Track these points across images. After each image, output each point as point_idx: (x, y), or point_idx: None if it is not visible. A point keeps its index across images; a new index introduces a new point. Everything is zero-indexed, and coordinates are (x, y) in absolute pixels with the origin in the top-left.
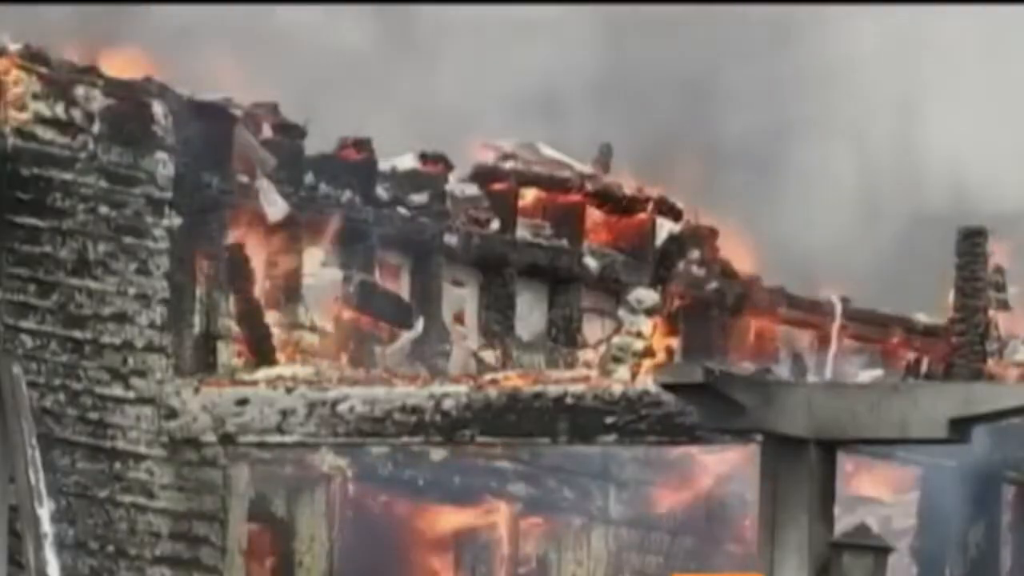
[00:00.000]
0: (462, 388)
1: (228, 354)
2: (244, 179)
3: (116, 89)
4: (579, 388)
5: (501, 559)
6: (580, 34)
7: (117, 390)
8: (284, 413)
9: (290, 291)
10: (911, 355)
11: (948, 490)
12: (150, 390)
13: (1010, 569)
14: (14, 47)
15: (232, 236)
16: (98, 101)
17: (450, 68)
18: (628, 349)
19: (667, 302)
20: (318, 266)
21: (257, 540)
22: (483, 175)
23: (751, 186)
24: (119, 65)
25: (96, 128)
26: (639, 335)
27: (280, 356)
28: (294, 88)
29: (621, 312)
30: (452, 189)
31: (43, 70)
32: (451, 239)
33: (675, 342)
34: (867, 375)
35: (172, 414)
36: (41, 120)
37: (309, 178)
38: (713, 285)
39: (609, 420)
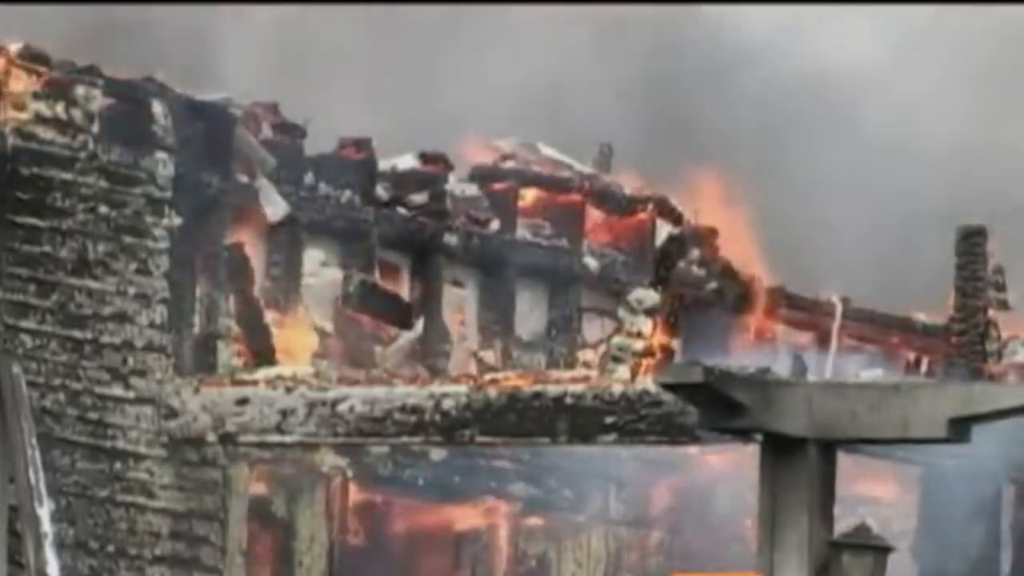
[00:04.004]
0: (462, 388)
1: (228, 354)
2: (244, 179)
3: (116, 89)
4: (579, 388)
5: (501, 559)
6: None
7: (117, 390)
8: (284, 413)
9: (290, 291)
10: (911, 355)
11: (948, 490)
12: (150, 390)
13: (1010, 569)
14: (14, 47)
15: (232, 236)
16: (98, 101)
17: (450, 67)
18: (628, 349)
19: (667, 302)
20: (318, 266)
21: (257, 540)
22: (483, 175)
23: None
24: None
25: (96, 128)
26: (639, 335)
27: (279, 356)
28: (294, 87)
29: (621, 312)
30: (452, 189)
31: (43, 70)
32: (451, 239)
33: (675, 342)
34: (867, 375)
35: (172, 414)
36: (41, 120)
37: (309, 178)
38: (713, 285)
39: (609, 420)
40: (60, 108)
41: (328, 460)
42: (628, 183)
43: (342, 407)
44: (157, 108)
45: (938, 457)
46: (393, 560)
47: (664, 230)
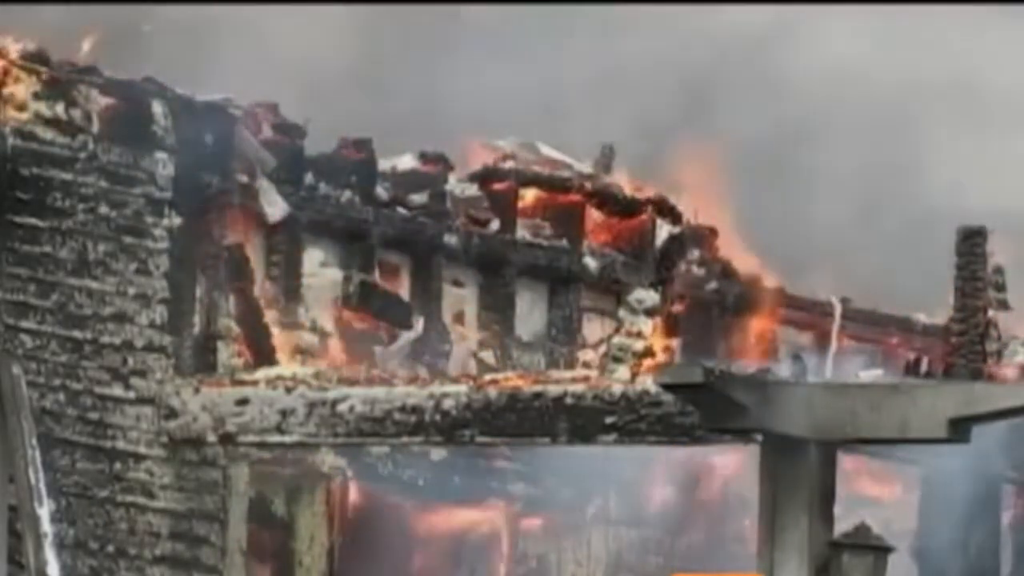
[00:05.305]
0: (462, 388)
1: (228, 354)
2: (244, 179)
3: (116, 89)
4: (579, 388)
5: (501, 559)
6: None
7: (117, 390)
8: (284, 413)
9: (290, 291)
10: (911, 355)
11: (948, 490)
12: (150, 390)
13: (1011, 570)
14: (14, 47)
15: (232, 236)
16: (98, 101)
17: (451, 67)
18: (628, 349)
19: (667, 302)
20: (318, 266)
21: (257, 540)
22: (483, 175)
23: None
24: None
25: (96, 128)
26: (639, 335)
27: (280, 356)
28: (294, 88)
29: (621, 312)
30: (452, 189)
31: (43, 70)
32: (451, 239)
33: (675, 342)
34: (867, 375)
35: (172, 414)
36: (41, 120)
37: (309, 178)
38: (713, 285)
39: (609, 420)
40: (60, 108)
41: (328, 460)
42: (628, 183)
43: (342, 407)
44: (157, 108)
45: (938, 457)
46: (393, 560)
47: (664, 230)
